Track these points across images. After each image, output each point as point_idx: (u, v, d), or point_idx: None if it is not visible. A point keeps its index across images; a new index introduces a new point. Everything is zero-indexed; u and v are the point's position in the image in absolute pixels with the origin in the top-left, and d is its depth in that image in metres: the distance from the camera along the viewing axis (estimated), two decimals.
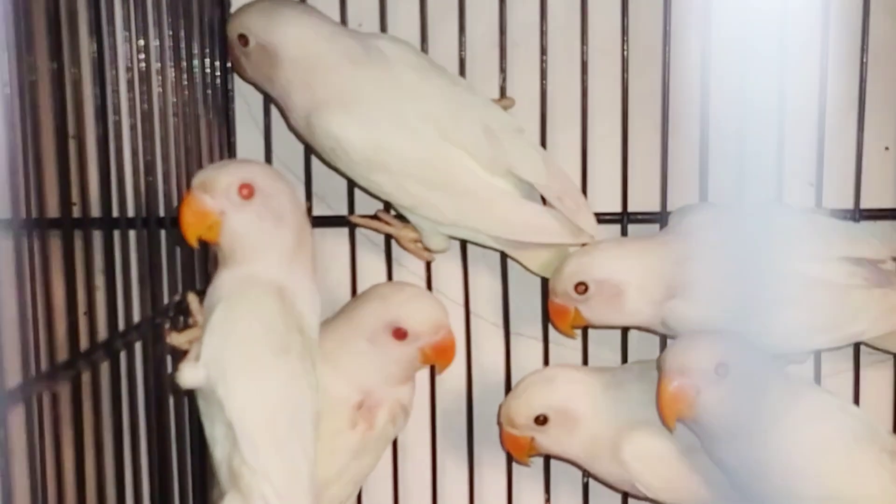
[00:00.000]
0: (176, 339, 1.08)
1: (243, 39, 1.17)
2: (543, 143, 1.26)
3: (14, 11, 0.81)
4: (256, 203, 1.02)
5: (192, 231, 1.03)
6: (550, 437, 1.20)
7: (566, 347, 1.32)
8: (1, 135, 0.79)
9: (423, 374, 1.29)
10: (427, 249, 1.26)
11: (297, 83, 1.17)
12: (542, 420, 1.19)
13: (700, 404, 1.08)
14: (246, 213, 1.02)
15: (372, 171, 1.18)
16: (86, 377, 0.95)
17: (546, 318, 1.29)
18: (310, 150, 1.28)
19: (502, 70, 1.27)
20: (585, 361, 1.30)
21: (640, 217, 1.28)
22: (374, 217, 1.29)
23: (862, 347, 1.27)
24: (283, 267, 1.04)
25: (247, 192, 1.02)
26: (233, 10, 1.26)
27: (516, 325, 1.33)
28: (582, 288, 1.17)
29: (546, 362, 1.31)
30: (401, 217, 1.26)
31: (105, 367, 1.00)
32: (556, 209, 1.20)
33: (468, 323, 1.32)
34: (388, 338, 1.15)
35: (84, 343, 0.95)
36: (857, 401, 1.27)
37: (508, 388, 1.29)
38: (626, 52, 1.25)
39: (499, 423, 1.24)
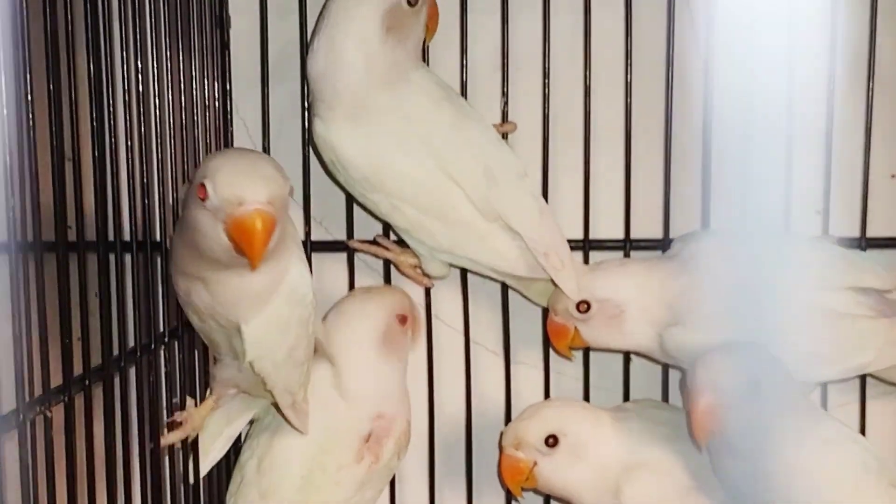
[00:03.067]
0: (172, 437, 1.10)
1: None
2: (545, 167, 1.25)
3: (12, 33, 0.80)
4: None
5: None
6: (557, 463, 1.16)
7: (567, 377, 1.30)
8: None
9: (422, 403, 1.28)
10: (426, 275, 1.25)
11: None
12: (552, 442, 1.16)
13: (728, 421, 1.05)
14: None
15: (368, 189, 1.17)
16: (79, 402, 0.94)
17: (547, 347, 1.28)
18: (308, 175, 1.27)
19: (504, 94, 1.26)
20: (587, 391, 1.29)
21: (643, 244, 1.26)
22: (373, 242, 1.27)
23: (868, 379, 1.25)
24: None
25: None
26: (232, 32, 1.25)
27: (517, 354, 1.31)
28: (584, 307, 1.17)
29: (547, 391, 1.29)
30: (401, 242, 1.25)
31: (99, 393, 0.99)
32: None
33: (468, 350, 1.30)
34: (398, 330, 1.21)
35: (78, 368, 0.95)
36: (863, 433, 1.26)
37: (509, 417, 1.28)
38: (629, 77, 1.24)
39: (499, 448, 1.21)
